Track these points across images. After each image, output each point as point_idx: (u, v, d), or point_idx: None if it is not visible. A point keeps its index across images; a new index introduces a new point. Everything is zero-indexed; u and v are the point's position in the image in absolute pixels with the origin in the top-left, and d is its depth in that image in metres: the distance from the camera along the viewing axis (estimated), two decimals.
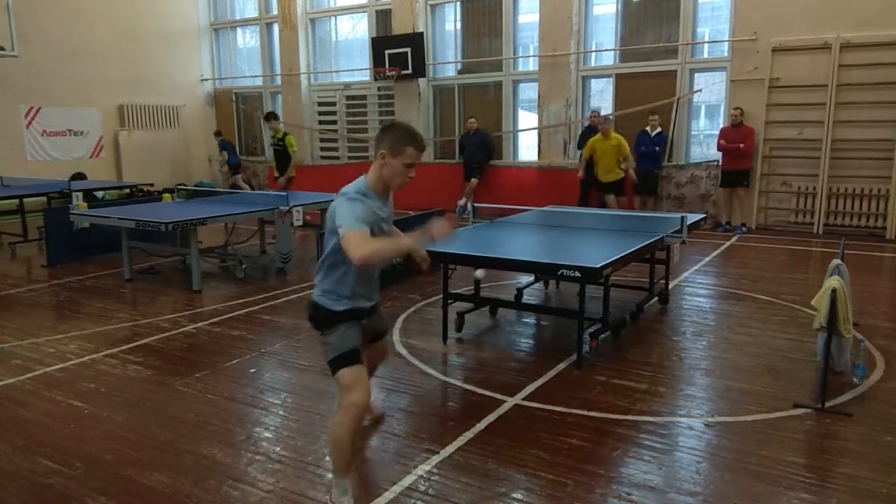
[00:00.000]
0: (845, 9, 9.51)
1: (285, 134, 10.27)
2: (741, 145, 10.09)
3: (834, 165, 9.89)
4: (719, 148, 10.38)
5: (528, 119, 12.97)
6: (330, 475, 3.23)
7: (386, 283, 6.87)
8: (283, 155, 10.23)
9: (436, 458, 3.38)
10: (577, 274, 4.25)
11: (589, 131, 11.00)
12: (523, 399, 4.11)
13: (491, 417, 3.85)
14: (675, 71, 11.13)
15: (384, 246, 2.79)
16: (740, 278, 7.30)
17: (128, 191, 11.12)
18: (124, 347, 5.22)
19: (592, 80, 12.24)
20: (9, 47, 11.90)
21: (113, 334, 5.58)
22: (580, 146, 11.20)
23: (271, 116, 10.57)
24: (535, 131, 12.50)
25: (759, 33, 10.16)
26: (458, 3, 13.14)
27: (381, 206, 2.94)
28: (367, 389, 2.98)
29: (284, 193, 8.02)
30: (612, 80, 11.85)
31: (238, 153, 15.08)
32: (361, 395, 2.90)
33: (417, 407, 4.11)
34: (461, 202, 11.94)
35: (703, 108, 11.75)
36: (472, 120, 12.18)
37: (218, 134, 14.61)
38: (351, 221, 2.71)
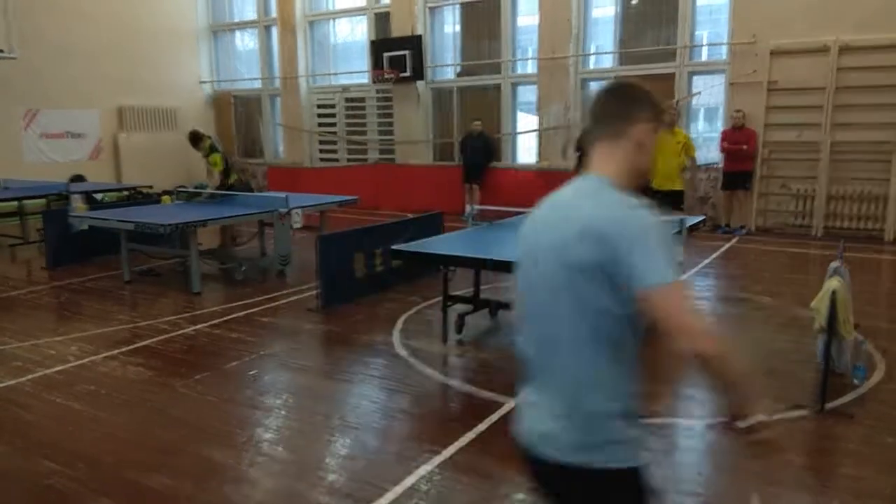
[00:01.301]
0: (844, 12, 9.53)
1: (212, 152, 9.29)
2: (744, 147, 10.11)
3: (833, 168, 9.89)
4: (722, 150, 10.39)
5: (527, 122, 12.99)
6: (331, 476, 3.23)
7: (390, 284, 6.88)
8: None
9: (437, 459, 3.38)
10: None
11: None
12: None
13: (492, 418, 3.85)
14: (674, 74, 11.13)
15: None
16: (740, 280, 7.31)
17: (127, 193, 11.10)
18: (124, 349, 5.21)
19: (592, 83, 12.25)
20: (7, 49, 11.89)
21: (113, 336, 5.57)
22: (578, 149, 11.19)
23: (195, 138, 9.33)
24: (535, 134, 12.51)
25: (757, 36, 10.18)
26: (457, 5, 13.15)
27: None
28: None
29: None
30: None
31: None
32: None
33: (418, 408, 4.11)
34: (469, 208, 11.93)
35: (701, 110, 11.77)
36: (478, 122, 12.15)
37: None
38: (669, 267, 1.49)
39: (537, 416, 1.69)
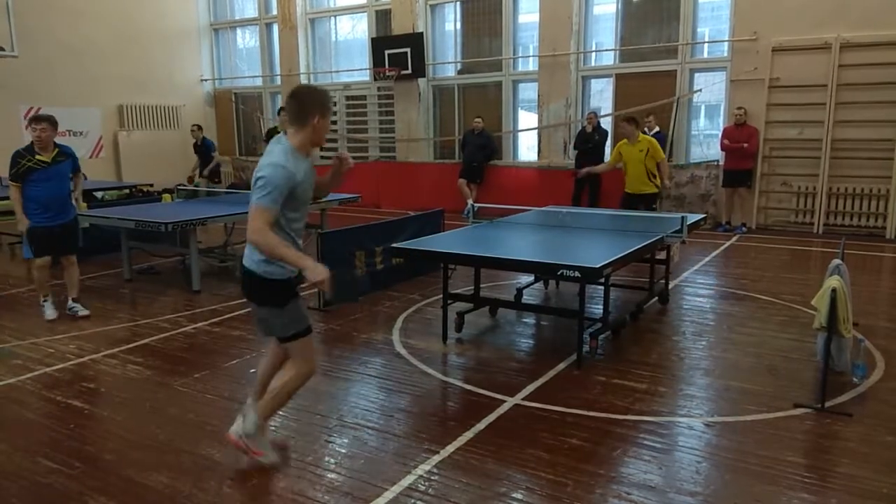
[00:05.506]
0: (845, 9, 9.51)
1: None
2: (745, 145, 10.10)
3: (834, 165, 9.88)
4: (723, 148, 10.37)
5: (528, 119, 12.97)
6: (329, 475, 3.23)
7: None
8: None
9: (436, 458, 3.38)
10: (577, 274, 4.24)
11: (584, 133, 10.99)
12: (523, 399, 4.11)
13: (491, 417, 3.85)
14: (675, 71, 11.13)
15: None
16: (740, 278, 7.30)
17: (127, 191, 11.11)
18: (124, 348, 5.22)
19: (592, 80, 12.24)
20: (8, 47, 11.90)
21: (113, 334, 5.58)
22: (576, 147, 11.19)
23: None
24: (535, 131, 12.50)
25: (758, 33, 10.16)
26: (458, 3, 13.14)
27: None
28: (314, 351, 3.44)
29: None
30: (612, 80, 11.84)
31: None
32: (315, 359, 3.37)
33: (417, 407, 4.11)
34: (469, 203, 11.94)
35: (702, 108, 11.75)
36: (479, 120, 12.13)
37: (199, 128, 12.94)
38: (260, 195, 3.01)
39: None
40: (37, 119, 5.70)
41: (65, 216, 5.91)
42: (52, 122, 5.72)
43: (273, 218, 2.91)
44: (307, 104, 3.00)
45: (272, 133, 10.93)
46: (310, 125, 3.00)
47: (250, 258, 3.07)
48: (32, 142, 5.70)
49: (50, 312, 6.02)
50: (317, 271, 2.85)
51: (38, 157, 5.67)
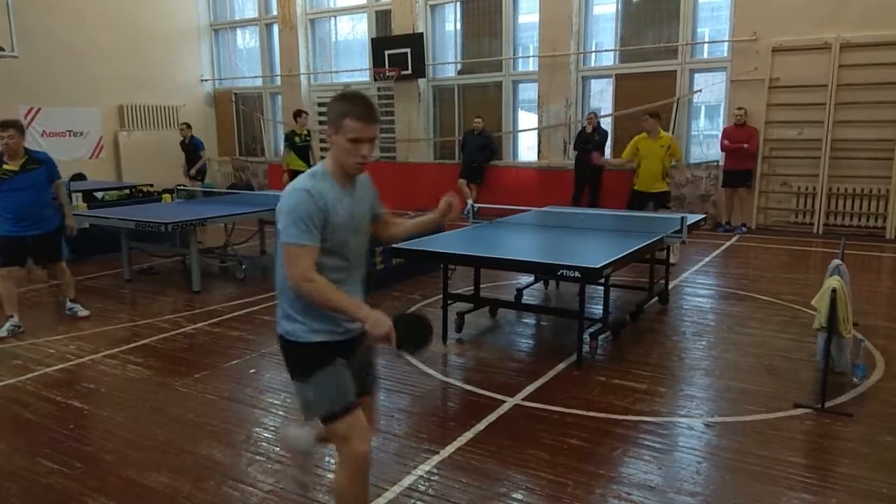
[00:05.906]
0: (845, 9, 9.51)
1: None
2: (745, 145, 10.10)
3: (834, 165, 9.88)
4: (723, 148, 10.37)
5: (527, 119, 12.97)
6: (330, 475, 3.22)
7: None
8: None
9: (436, 458, 3.38)
10: (577, 274, 4.25)
11: (584, 133, 10.99)
12: (523, 399, 4.11)
13: (491, 417, 3.85)
14: (675, 71, 11.12)
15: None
16: (740, 278, 7.30)
17: (127, 191, 11.10)
18: (124, 348, 5.22)
19: (592, 81, 12.24)
20: (8, 47, 11.89)
21: (113, 335, 5.58)
22: (576, 147, 11.19)
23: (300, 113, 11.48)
24: (535, 132, 12.49)
25: (758, 33, 10.16)
26: (458, 3, 13.13)
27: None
28: (367, 432, 2.43)
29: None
30: (611, 80, 11.84)
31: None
32: (363, 443, 2.38)
33: (417, 407, 4.11)
34: (469, 203, 11.94)
35: (702, 108, 11.75)
36: (478, 120, 12.12)
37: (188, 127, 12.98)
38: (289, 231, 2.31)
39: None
40: (2, 126, 5.38)
41: (41, 226, 5.65)
42: (18, 128, 5.45)
43: (313, 255, 2.24)
44: (328, 115, 2.34)
45: (291, 137, 10.97)
46: (329, 141, 2.35)
47: (277, 316, 2.46)
48: (1, 151, 5.42)
49: (2, 332, 5.57)
50: (378, 323, 2.23)
51: (5, 166, 5.42)
